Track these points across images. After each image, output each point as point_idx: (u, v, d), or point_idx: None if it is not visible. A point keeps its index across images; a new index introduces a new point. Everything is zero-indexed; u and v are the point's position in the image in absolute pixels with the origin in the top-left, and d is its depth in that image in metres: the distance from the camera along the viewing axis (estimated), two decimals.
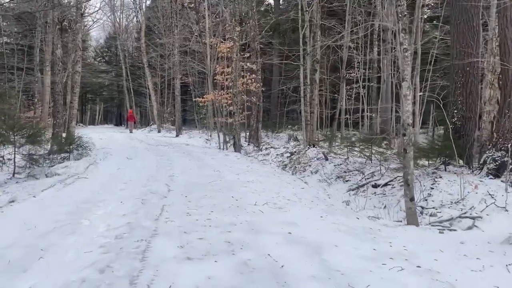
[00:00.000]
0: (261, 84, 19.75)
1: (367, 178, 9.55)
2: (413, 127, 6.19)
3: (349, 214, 6.64)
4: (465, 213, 5.98)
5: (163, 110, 33.16)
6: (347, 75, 17.20)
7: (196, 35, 22.15)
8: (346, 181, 10.08)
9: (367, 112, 21.34)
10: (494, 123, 7.67)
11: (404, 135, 5.71)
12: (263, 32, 20.77)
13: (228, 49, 18.26)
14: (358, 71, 20.38)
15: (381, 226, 5.54)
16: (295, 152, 15.16)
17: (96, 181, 8.08)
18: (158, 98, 32.74)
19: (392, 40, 19.72)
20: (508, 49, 6.77)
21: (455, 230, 5.54)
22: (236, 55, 15.02)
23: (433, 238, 5.02)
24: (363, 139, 10.91)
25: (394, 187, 8.37)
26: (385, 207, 7.69)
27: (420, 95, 16.37)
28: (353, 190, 9.28)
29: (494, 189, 6.54)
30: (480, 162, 7.23)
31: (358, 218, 5.99)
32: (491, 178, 6.89)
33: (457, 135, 8.12)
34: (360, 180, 9.66)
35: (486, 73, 7.73)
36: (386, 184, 8.68)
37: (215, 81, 20.24)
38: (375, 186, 8.88)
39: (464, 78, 7.84)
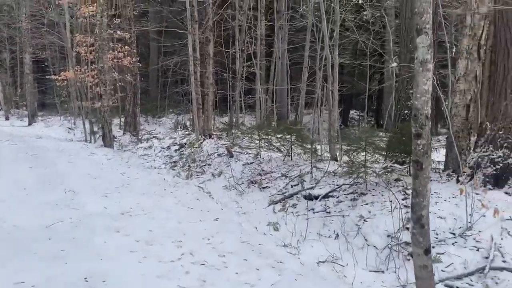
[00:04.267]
0: (138, 59, 15.98)
1: (295, 185, 6.95)
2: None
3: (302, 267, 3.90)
4: (493, 259, 3.66)
5: (14, 92, 26.73)
6: (245, 49, 14.47)
7: None
8: (264, 188, 7.36)
9: (261, 93, 18.91)
10: (471, 106, 5.61)
11: (418, 136, 3.09)
12: None
13: (92, 12, 14.02)
14: (251, 47, 17.75)
15: None
16: (186, 144, 12.01)
17: None
18: (7, 77, 26.22)
19: (285, 12, 17.58)
20: None
21: None
22: (101, 16, 11.11)
23: None
24: (283, 128, 8.27)
25: (341, 201, 5.87)
26: (337, 236, 5.15)
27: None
28: (276, 203, 6.60)
29: (505, 207, 4.40)
30: (469, 164, 5.06)
31: None
32: (489, 189, 4.74)
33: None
34: (284, 188, 7.01)
35: (461, 36, 5.61)
36: (326, 196, 6.15)
37: (77, 54, 15.88)
38: (309, 197, 6.30)
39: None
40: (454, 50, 6.97)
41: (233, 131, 10.59)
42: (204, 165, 9.31)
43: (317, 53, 12.27)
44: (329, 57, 8.18)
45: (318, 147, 8.80)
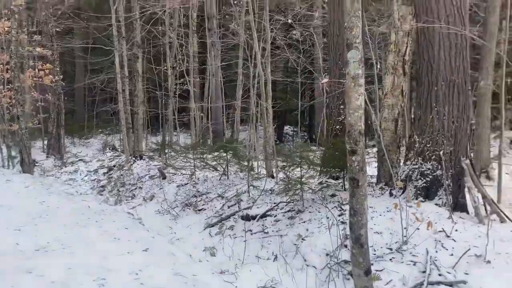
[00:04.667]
0: (61, 77, 15.01)
1: (232, 205, 6.70)
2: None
3: None
4: (430, 273, 3.64)
5: None
6: (177, 66, 14.09)
7: None
8: (199, 210, 7.04)
9: (195, 111, 18.54)
10: (399, 120, 5.75)
11: (353, 152, 3.00)
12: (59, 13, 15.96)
13: (7, 28, 12.96)
14: (184, 64, 17.41)
15: None
16: (115, 166, 11.35)
17: None
18: None
19: (217, 30, 17.53)
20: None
21: None
22: (17, 32, 10.25)
23: None
24: (219, 146, 7.99)
25: (279, 220, 5.71)
26: (276, 257, 4.96)
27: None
28: (213, 226, 6.31)
29: (437, 219, 4.47)
30: (401, 177, 5.13)
31: None
32: (421, 201, 4.81)
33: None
34: (221, 209, 6.74)
35: (386, 53, 5.78)
36: (264, 215, 5.97)
37: None
38: (247, 218, 6.09)
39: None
40: (379, 66, 7.20)
41: (166, 151, 10.15)
42: (135, 189, 8.78)
43: (250, 70, 12.25)
44: (261, 74, 8.13)
45: (255, 164, 8.65)
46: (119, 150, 14.41)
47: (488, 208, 4.88)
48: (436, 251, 3.95)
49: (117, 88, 11.42)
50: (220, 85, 17.57)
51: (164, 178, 8.64)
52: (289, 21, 20.00)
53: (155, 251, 4.71)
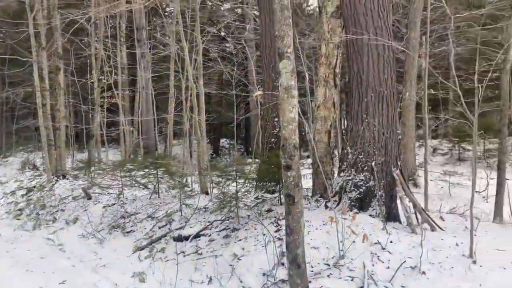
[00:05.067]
0: None
1: (162, 226, 6.29)
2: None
3: None
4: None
5: None
6: (103, 78, 13.35)
7: None
8: (128, 232, 6.53)
9: (125, 125, 17.73)
10: (332, 132, 5.75)
11: (288, 167, 2.83)
12: None
13: None
14: (112, 76, 16.59)
15: None
16: (35, 187, 10.39)
17: None
18: None
19: (147, 41, 17.01)
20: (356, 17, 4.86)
21: None
22: None
23: None
24: (149, 162, 7.52)
25: (214, 240, 5.42)
26: (210, 280, 4.66)
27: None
28: (143, 248, 5.86)
29: (372, 231, 4.45)
30: (335, 189, 5.09)
31: None
32: (356, 213, 4.79)
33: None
34: (151, 230, 6.30)
35: (318, 65, 5.76)
36: (198, 235, 5.64)
37: None
38: (179, 239, 5.73)
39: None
40: (307, 78, 7.22)
41: (92, 169, 9.45)
42: (56, 211, 8.03)
43: (182, 83, 11.92)
44: (193, 87, 7.85)
45: (189, 180, 8.29)
46: (41, 169, 13.28)
47: (419, 216, 4.98)
48: (373, 264, 3.90)
49: (37, 102, 10.53)
50: (151, 98, 16.99)
51: (89, 198, 8.00)
52: (222, 33, 19.96)
53: (74, 283, 4.21)
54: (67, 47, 13.56)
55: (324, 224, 4.76)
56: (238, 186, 6.36)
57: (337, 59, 5.66)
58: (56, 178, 9.91)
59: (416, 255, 3.91)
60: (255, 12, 17.13)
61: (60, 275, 4.32)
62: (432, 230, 4.80)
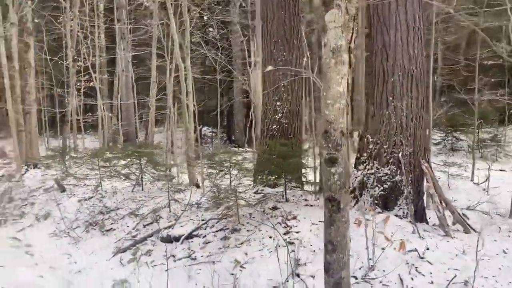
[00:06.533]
0: None
1: (148, 224, 5.47)
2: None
3: None
4: None
5: None
6: (78, 60, 12.27)
7: None
8: (107, 231, 5.68)
9: (103, 110, 16.63)
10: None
11: (332, 161, 2.07)
12: None
13: None
14: (89, 58, 15.42)
15: None
16: (2, 176, 9.38)
17: None
18: None
19: (127, 21, 15.90)
20: None
21: None
22: None
23: None
24: (131, 152, 6.63)
25: (209, 242, 4.63)
26: None
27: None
28: (125, 251, 5.04)
29: (402, 235, 3.75)
30: (353, 185, 4.36)
31: None
32: (379, 212, 4.08)
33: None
34: (135, 229, 5.46)
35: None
36: (190, 236, 4.84)
37: None
38: (168, 240, 4.93)
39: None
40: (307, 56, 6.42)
41: (67, 158, 8.51)
42: (25, 205, 7.10)
43: (166, 63, 10.99)
44: (182, 67, 6.98)
45: (174, 171, 7.45)
46: (9, 158, 12.18)
47: (448, 214, 4.30)
48: (412, 278, 3.19)
49: (4, 83, 9.45)
50: (131, 82, 15.98)
51: (63, 191, 7.10)
52: (205, 17, 18.98)
53: None
54: (39, 24, 12.42)
55: None
56: (233, 179, 5.61)
57: (352, 32, 4.88)
58: (26, 167, 8.92)
59: (463, 266, 3.23)
60: None
61: None
62: (466, 232, 4.14)
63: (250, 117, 19.33)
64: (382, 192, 4.17)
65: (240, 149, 16.96)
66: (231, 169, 5.96)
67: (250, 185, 5.77)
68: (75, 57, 11.49)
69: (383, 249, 3.52)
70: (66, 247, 5.47)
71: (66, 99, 14.82)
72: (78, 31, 12.56)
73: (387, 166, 4.16)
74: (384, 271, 3.32)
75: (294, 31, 5.57)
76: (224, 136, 23.01)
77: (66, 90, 13.92)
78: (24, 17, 9.61)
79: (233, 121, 21.38)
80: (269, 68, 4.96)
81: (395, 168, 4.15)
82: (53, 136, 17.34)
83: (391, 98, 4.19)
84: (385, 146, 4.20)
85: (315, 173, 5.77)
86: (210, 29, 19.38)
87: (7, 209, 7.24)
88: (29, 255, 4.99)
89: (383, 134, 4.22)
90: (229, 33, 18.48)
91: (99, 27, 14.61)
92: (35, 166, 8.96)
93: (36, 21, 13.02)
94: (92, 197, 6.66)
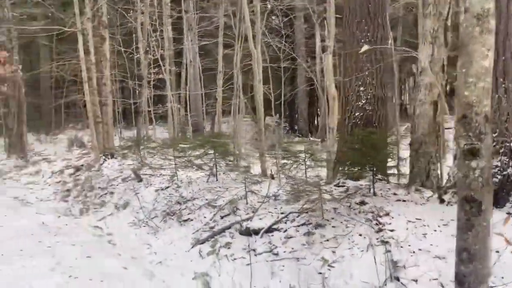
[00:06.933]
0: (19, 66, 13.24)
1: (225, 216, 5.34)
2: None
3: None
4: None
5: None
6: (150, 52, 12.53)
7: None
8: (184, 221, 5.64)
9: (173, 101, 16.93)
10: (439, 104, 4.50)
11: (473, 153, 1.69)
12: None
13: None
14: (158, 50, 15.71)
15: None
16: (83, 166, 9.82)
17: None
18: None
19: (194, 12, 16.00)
20: None
21: None
22: None
23: None
24: (204, 142, 6.57)
25: (291, 237, 4.37)
26: None
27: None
28: (203, 242, 4.94)
29: None
30: (453, 178, 3.89)
31: None
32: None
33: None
34: (212, 220, 5.36)
35: (424, 14, 4.48)
36: (270, 230, 4.63)
37: None
38: (247, 233, 4.75)
39: None
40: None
41: (141, 148, 8.68)
42: (105, 194, 7.32)
43: (233, 52, 10.83)
44: (254, 52, 6.76)
45: (242, 162, 7.31)
46: (89, 147, 12.80)
47: None
48: None
49: (82, 76, 9.84)
50: (199, 73, 16.13)
51: (140, 180, 7.22)
52: (268, 6, 18.68)
53: None
54: (114, 16, 12.83)
55: (444, 225, 3.62)
56: (307, 171, 5.32)
57: (449, 7, 4.37)
58: (104, 157, 9.24)
59: None
60: None
61: (109, 284, 3.46)
62: None
63: (315, 105, 18.76)
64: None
65: (305, 138, 16.59)
66: (306, 160, 5.70)
67: (324, 177, 5.46)
68: (147, 48, 11.72)
69: (498, 251, 3.07)
70: (146, 237, 5.52)
71: (137, 91, 15.28)
72: (148, 23, 12.81)
73: (497, 157, 3.65)
74: (502, 277, 2.88)
75: (379, 8, 5.12)
76: (287, 126, 22.69)
77: (137, 82, 14.31)
78: (100, 10, 9.90)
79: (297, 110, 20.98)
80: (365, 48, 4.56)
81: (507, 160, 3.63)
82: (124, 127, 18.04)
83: (501, 80, 3.65)
84: (494, 135, 3.68)
85: (398, 164, 5.30)
86: (273, 17, 19.07)
87: (88, 198, 7.53)
88: (111, 245, 5.07)
89: (491, 121, 3.69)
90: (293, 19, 18.06)
91: (169, 17, 14.82)
92: (112, 156, 9.26)
93: (108, 17, 13.48)
94: (168, 187, 6.69)
